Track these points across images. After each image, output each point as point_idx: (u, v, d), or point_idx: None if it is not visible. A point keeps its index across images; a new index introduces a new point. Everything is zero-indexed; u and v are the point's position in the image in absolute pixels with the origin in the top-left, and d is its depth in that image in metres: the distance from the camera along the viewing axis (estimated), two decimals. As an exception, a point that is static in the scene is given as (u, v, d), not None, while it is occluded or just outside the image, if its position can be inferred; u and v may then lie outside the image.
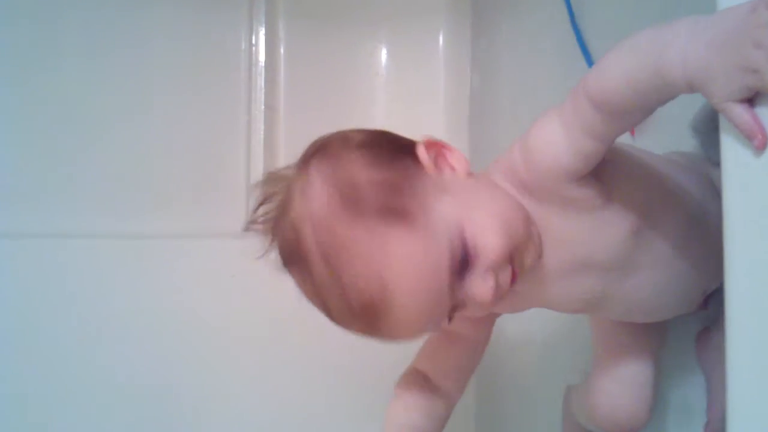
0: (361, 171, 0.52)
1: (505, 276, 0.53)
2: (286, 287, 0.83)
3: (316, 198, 0.52)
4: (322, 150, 0.54)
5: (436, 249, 0.51)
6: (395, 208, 0.51)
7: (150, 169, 1.02)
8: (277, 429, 0.97)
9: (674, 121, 0.68)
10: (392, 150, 0.54)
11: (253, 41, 1.10)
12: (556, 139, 0.52)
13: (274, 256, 0.56)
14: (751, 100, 0.42)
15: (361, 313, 0.51)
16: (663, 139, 0.71)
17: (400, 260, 0.50)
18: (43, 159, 0.98)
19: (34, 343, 0.92)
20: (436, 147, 0.55)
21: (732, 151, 0.42)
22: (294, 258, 0.54)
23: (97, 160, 1.00)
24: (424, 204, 0.52)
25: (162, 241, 1.00)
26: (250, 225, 0.56)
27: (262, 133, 1.09)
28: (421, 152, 0.54)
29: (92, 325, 0.94)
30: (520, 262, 0.54)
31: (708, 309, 0.66)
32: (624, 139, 0.55)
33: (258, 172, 1.04)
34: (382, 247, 0.50)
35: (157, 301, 0.96)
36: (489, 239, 0.52)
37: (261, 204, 0.56)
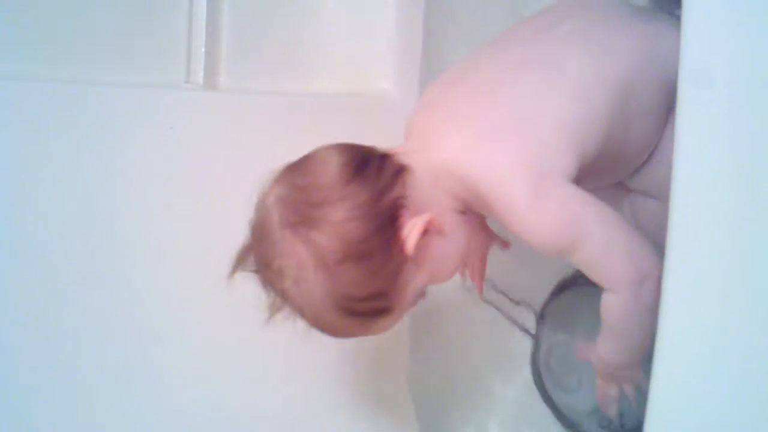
0: (357, 286, 0.58)
1: None
2: (224, 141, 0.90)
3: (313, 299, 0.58)
4: (311, 249, 0.57)
5: (405, 312, 0.63)
6: (384, 309, 0.60)
7: (84, 11, 0.95)
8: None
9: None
10: (379, 251, 0.58)
11: None
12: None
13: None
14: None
15: None
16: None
17: (375, 332, 0.63)
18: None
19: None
20: (417, 227, 0.59)
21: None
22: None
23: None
24: (404, 294, 0.61)
25: (98, 89, 0.95)
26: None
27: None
28: (410, 248, 0.58)
29: (20, 172, 0.90)
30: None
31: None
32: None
33: (200, 21, 0.99)
34: (365, 331, 0.62)
35: (90, 149, 0.92)
36: (445, 279, 0.65)
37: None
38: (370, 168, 0.60)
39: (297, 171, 0.61)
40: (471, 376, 0.89)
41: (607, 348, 0.65)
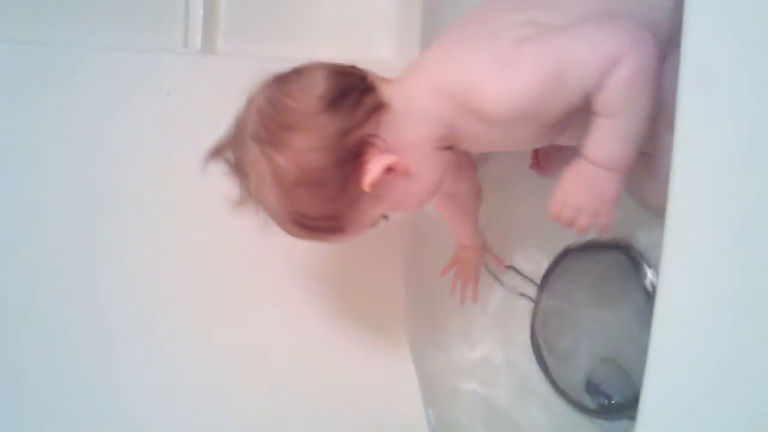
0: (310, 207, 0.62)
1: None
2: (222, 108, 0.85)
3: (271, 206, 0.64)
4: (275, 172, 0.61)
5: (361, 232, 0.66)
6: (336, 229, 0.64)
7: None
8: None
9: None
10: (335, 181, 0.61)
11: None
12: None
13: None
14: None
15: None
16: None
17: (331, 243, 0.69)
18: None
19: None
20: (376, 167, 0.61)
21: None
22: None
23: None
24: (359, 219, 0.64)
25: (94, 53, 0.94)
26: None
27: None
28: (367, 185, 0.61)
29: (15, 135, 0.89)
30: None
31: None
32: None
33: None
34: (319, 241, 0.67)
35: (86, 113, 0.92)
36: (412, 210, 0.73)
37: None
38: (347, 101, 0.62)
39: (281, 86, 0.64)
40: (470, 330, 0.93)
41: (602, 142, 0.61)
